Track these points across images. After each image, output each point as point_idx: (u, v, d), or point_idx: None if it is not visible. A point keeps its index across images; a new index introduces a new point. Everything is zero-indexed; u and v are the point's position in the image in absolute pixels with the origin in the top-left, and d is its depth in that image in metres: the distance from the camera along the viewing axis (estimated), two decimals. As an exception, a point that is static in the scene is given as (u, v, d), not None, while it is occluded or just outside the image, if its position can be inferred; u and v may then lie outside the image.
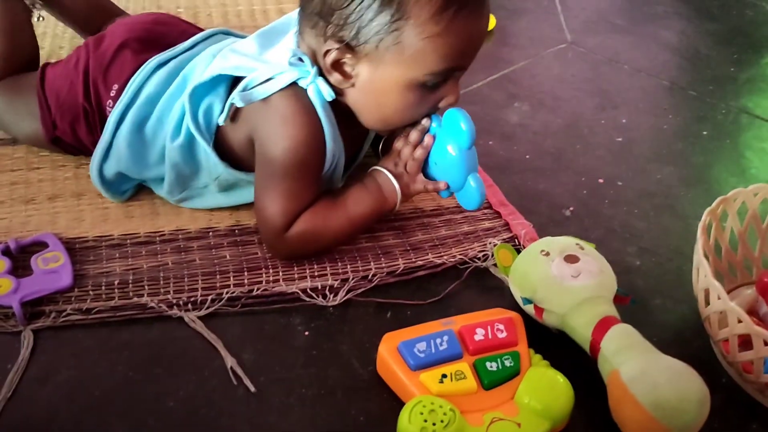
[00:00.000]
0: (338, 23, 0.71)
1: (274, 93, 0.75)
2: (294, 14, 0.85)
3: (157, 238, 0.83)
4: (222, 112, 0.79)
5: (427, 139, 0.79)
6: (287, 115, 0.75)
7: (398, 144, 0.81)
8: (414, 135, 0.79)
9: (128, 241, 0.83)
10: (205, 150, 0.81)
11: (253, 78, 0.76)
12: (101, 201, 0.88)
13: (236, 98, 0.74)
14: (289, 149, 0.76)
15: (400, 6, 0.68)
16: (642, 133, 1.10)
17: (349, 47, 0.71)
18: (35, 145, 0.94)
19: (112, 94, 0.85)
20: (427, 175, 0.82)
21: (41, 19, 1.07)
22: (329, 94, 0.75)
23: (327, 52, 0.72)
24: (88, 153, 0.91)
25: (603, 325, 0.67)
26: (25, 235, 0.82)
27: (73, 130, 0.88)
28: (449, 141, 0.78)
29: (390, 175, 0.81)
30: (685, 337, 0.77)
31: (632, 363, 0.63)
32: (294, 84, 0.75)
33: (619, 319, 0.69)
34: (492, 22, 1.35)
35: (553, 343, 0.72)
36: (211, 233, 0.85)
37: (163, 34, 0.90)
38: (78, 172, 0.91)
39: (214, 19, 1.32)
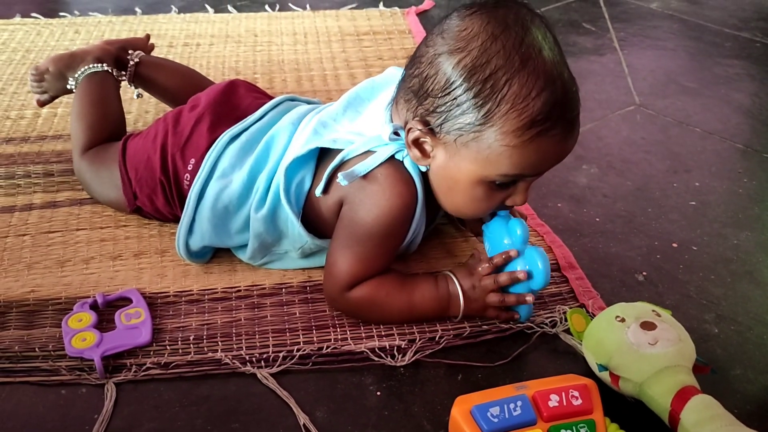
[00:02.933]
0: (429, 108, 0.73)
1: (375, 168, 0.77)
2: (374, 81, 0.88)
3: (233, 295, 0.86)
4: (311, 183, 0.82)
5: (530, 298, 0.78)
6: (386, 186, 0.77)
7: (483, 271, 0.79)
8: (503, 278, 0.78)
9: (206, 296, 0.86)
10: (292, 222, 0.83)
11: (350, 151, 0.79)
12: (183, 257, 0.91)
13: (340, 177, 0.76)
14: (380, 217, 0.77)
15: (488, 113, 0.69)
16: (716, 197, 1.09)
17: (431, 131, 0.73)
18: (119, 210, 0.98)
19: (189, 168, 0.88)
20: None
21: (140, 96, 1.14)
22: (423, 166, 0.77)
23: (410, 129, 0.75)
24: (168, 221, 0.95)
25: (683, 395, 0.66)
26: (111, 289, 0.86)
27: (152, 201, 0.93)
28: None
29: (462, 298, 0.80)
30: (768, 410, 0.74)
31: (715, 436, 0.62)
32: (392, 156, 0.78)
33: (700, 389, 0.67)
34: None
35: (629, 412, 0.71)
36: (284, 290, 0.87)
37: (235, 106, 0.94)
38: (162, 230, 0.96)
39: (288, 84, 1.38)
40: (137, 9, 1.69)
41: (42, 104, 1.12)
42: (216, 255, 0.92)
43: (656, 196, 1.08)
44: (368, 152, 0.78)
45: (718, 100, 1.38)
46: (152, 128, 0.95)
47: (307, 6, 1.75)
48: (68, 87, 1.07)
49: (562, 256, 0.93)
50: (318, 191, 0.80)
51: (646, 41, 1.64)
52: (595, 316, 0.83)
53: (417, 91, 0.74)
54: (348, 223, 0.79)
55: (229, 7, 1.72)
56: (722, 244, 0.98)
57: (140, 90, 1.14)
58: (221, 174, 0.86)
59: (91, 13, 1.66)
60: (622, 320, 0.73)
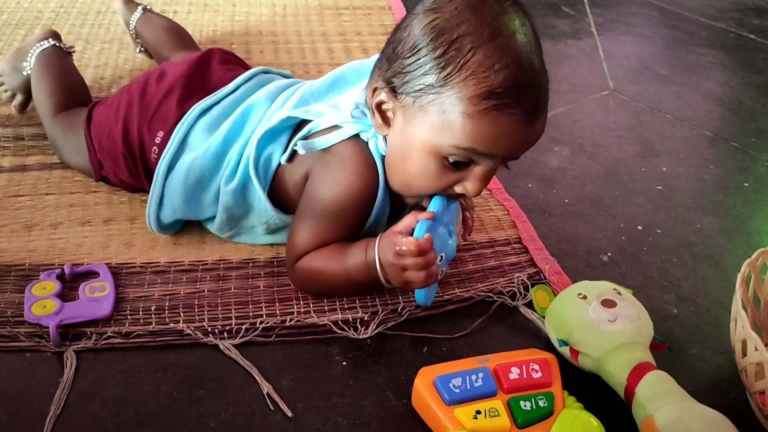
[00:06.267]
0: (396, 70, 0.72)
1: (337, 143, 0.77)
2: (363, 63, 0.87)
3: (200, 267, 0.86)
4: (281, 158, 0.82)
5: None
6: (348, 164, 0.77)
7: (409, 246, 0.72)
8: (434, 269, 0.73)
9: (173, 268, 0.85)
10: (259, 196, 0.83)
11: (317, 123, 0.79)
12: (153, 226, 0.91)
13: (299, 145, 0.76)
14: (338, 195, 0.77)
15: (448, 76, 0.68)
16: (683, 183, 1.11)
17: (393, 92, 0.73)
18: (88, 177, 0.97)
19: (157, 141, 0.87)
20: None
21: (143, 51, 1.27)
22: (384, 149, 0.77)
23: (376, 89, 0.74)
24: (134, 190, 0.95)
25: (639, 371, 0.68)
26: (78, 256, 0.85)
27: (115, 173, 0.92)
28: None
29: (378, 266, 0.75)
30: (720, 388, 0.76)
31: (667, 409, 0.64)
32: (356, 135, 0.78)
33: (655, 365, 0.69)
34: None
35: (587, 386, 0.72)
36: (251, 264, 0.87)
37: (206, 79, 0.93)
38: (132, 197, 0.95)
39: (265, 56, 1.37)
40: (113, -26, 1.65)
41: (20, 110, 1.10)
42: (186, 227, 0.91)
43: (624, 179, 1.10)
44: (335, 127, 0.78)
45: (690, 87, 1.40)
46: (116, 98, 0.94)
47: (287, -22, 1.73)
48: (25, 74, 1.07)
49: (524, 230, 0.95)
50: (283, 159, 0.80)
51: (623, 27, 1.65)
52: (551, 282, 0.86)
53: (390, 55, 0.74)
54: (307, 198, 0.80)
55: (208, -24, 1.69)
56: (686, 228, 1.01)
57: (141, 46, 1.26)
58: (191, 148, 0.85)
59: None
60: (584, 297, 0.74)
